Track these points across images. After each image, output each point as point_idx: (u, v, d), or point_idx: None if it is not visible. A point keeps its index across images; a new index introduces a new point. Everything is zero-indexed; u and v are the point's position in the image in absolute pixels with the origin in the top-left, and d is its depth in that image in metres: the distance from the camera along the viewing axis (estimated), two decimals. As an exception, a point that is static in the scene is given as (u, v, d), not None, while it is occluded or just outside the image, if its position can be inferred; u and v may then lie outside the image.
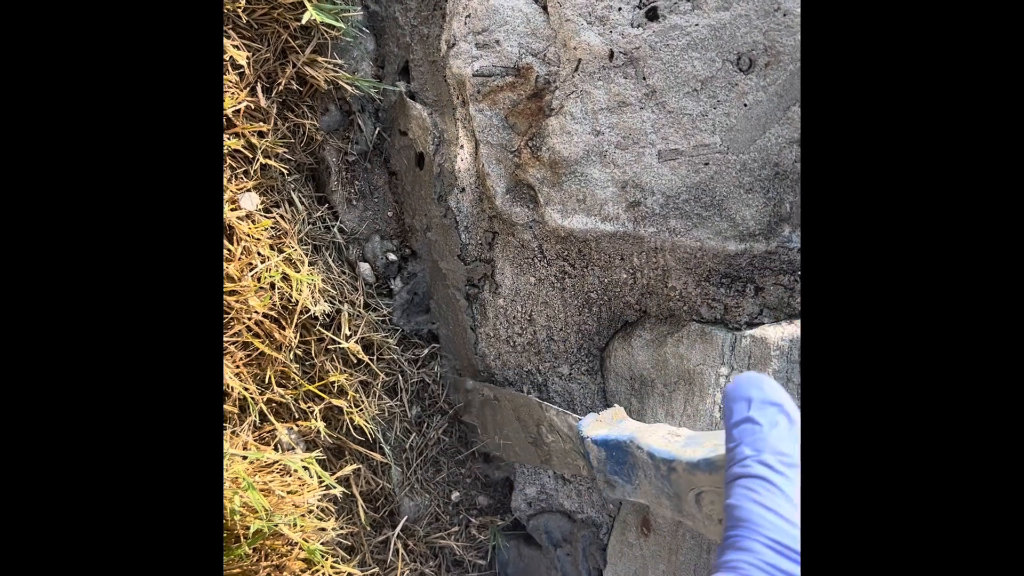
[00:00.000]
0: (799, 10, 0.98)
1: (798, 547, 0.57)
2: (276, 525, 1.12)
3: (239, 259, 1.18)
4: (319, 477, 1.20)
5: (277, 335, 1.22)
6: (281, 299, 1.22)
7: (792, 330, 1.06)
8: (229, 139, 1.18)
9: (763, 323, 1.10)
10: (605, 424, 0.95)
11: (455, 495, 1.43)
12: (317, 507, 1.23)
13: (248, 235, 1.19)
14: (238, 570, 1.20)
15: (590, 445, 0.94)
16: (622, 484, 0.95)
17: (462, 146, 1.25)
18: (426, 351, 1.41)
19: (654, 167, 1.08)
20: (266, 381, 1.21)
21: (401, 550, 1.35)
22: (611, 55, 1.07)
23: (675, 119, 1.06)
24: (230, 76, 1.18)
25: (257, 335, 1.21)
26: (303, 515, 1.19)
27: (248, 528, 1.12)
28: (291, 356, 1.24)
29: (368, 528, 1.33)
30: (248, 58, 1.18)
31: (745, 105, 1.02)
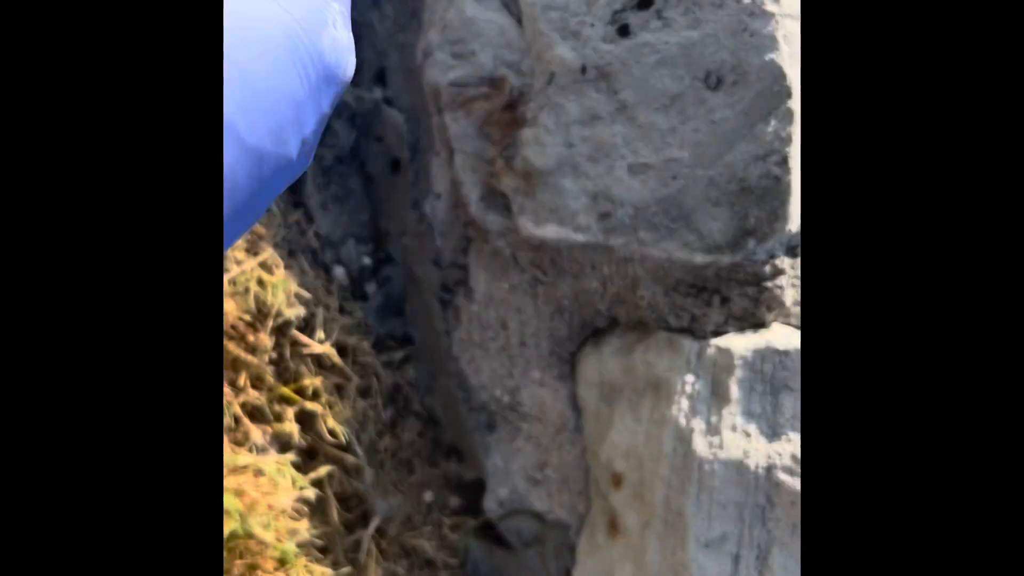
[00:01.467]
0: (766, 30, 1.01)
1: None
2: (250, 528, 1.13)
3: (214, 263, 1.19)
4: (292, 479, 1.21)
5: (251, 338, 1.23)
6: (256, 303, 1.23)
7: (756, 340, 1.10)
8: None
9: (728, 332, 1.13)
10: None
11: (428, 495, 1.46)
12: (291, 508, 1.25)
13: (224, 239, 1.20)
14: (211, 570, 1.21)
15: None
16: None
17: (437, 153, 1.27)
18: (400, 354, 1.43)
19: (624, 180, 1.11)
20: (240, 384, 1.22)
21: (374, 550, 1.37)
22: (584, 69, 1.09)
23: (645, 133, 1.08)
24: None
25: (232, 338, 1.22)
26: (276, 516, 1.21)
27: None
28: (265, 359, 1.25)
29: (341, 529, 1.35)
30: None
31: (713, 122, 1.05)
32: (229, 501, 1.12)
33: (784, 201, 1.03)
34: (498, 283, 1.30)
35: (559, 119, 1.12)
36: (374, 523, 1.39)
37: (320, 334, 1.29)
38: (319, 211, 1.33)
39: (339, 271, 1.35)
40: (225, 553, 1.21)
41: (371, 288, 1.40)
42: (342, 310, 1.35)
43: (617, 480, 1.26)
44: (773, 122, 1.02)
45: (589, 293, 1.22)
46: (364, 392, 1.38)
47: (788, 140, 1.02)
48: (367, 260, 1.38)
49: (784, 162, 1.02)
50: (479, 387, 1.39)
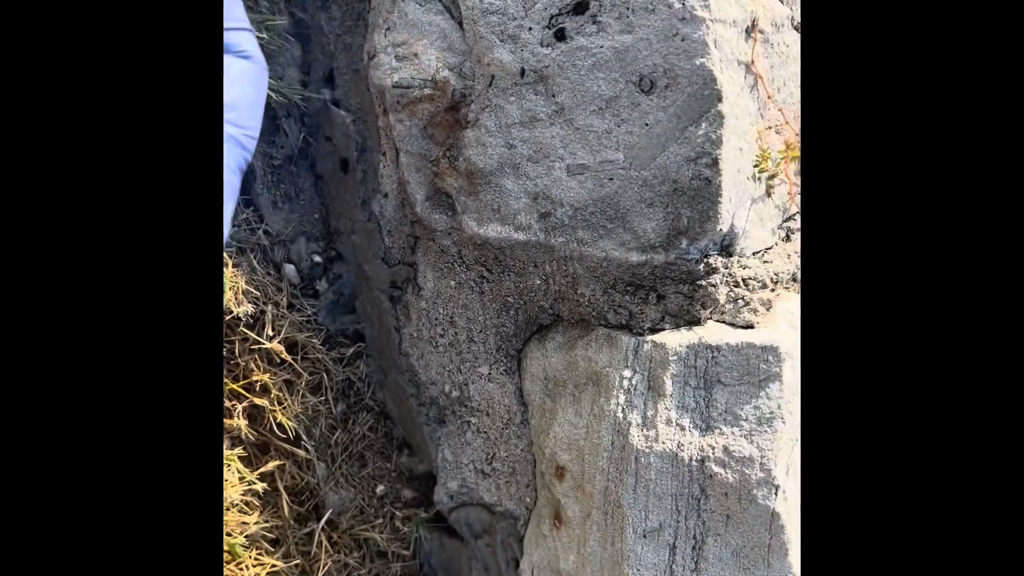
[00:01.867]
0: (697, 35, 1.04)
1: None
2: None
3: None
4: (240, 473, 1.23)
5: (201, 335, 1.25)
6: (205, 300, 1.24)
7: (689, 336, 1.13)
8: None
9: (664, 329, 1.16)
10: None
11: (380, 488, 1.48)
12: (240, 502, 1.27)
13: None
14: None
15: None
16: None
17: (384, 153, 1.29)
18: (352, 350, 1.45)
19: (563, 180, 1.13)
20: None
21: (325, 542, 1.40)
22: (522, 72, 1.11)
23: (582, 135, 1.11)
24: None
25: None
26: (225, 511, 1.23)
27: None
28: (215, 356, 1.27)
29: (292, 522, 1.37)
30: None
31: (647, 124, 1.07)
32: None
33: (715, 202, 1.06)
34: (445, 280, 1.32)
35: (500, 121, 1.14)
36: (326, 516, 1.41)
37: (269, 331, 1.31)
38: (269, 209, 1.35)
39: (289, 269, 1.37)
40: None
41: (322, 286, 1.41)
42: (292, 307, 1.37)
43: (560, 472, 1.29)
44: (704, 125, 1.05)
45: (532, 290, 1.25)
46: (315, 388, 1.40)
47: (718, 143, 1.05)
48: (318, 258, 1.40)
49: (714, 164, 1.05)
50: (429, 382, 1.42)
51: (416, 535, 1.50)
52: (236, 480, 1.23)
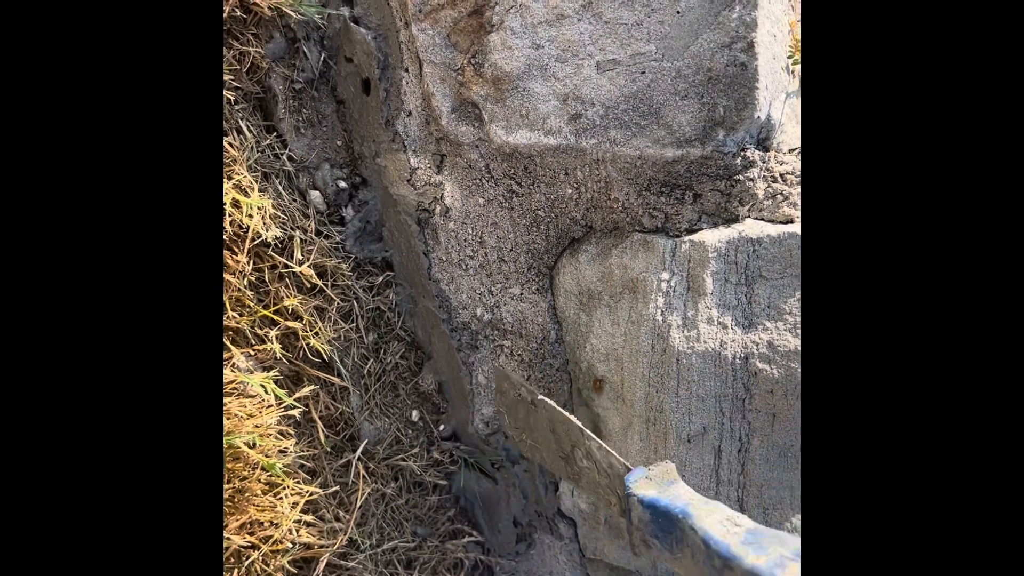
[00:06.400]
0: (727, -84, 1.01)
1: None
2: (234, 441, 1.14)
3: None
4: (277, 397, 1.22)
5: (230, 261, 1.23)
6: (232, 225, 1.23)
7: (728, 233, 1.11)
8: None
9: (702, 228, 1.14)
10: (655, 484, 0.86)
11: (415, 414, 1.47)
12: (276, 428, 1.26)
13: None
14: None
15: (635, 503, 0.88)
16: (660, 548, 0.87)
17: (407, 69, 1.26)
18: (380, 279, 1.43)
19: (593, 78, 1.11)
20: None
21: (362, 472, 1.38)
22: (548, -33, 1.09)
23: (612, 29, 1.08)
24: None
25: (209, 260, 1.22)
26: (263, 436, 1.22)
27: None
28: (244, 282, 1.25)
29: (329, 451, 1.36)
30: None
31: (678, 12, 1.05)
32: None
33: (752, 87, 1.04)
34: (474, 198, 1.30)
35: (525, 21, 1.12)
36: (362, 446, 1.40)
37: (299, 255, 1.29)
38: (292, 135, 1.33)
39: (315, 195, 1.35)
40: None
41: (348, 213, 1.40)
42: (319, 233, 1.35)
43: (599, 385, 1.27)
44: (737, 8, 1.02)
45: (564, 201, 1.23)
46: (345, 316, 1.39)
47: (753, 25, 1.02)
48: (343, 184, 1.38)
49: (750, 48, 1.02)
50: (460, 307, 1.40)
51: (453, 465, 1.49)
52: (274, 403, 1.21)
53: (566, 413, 1.03)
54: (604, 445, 0.97)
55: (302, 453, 1.32)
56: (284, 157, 1.32)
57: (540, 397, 1.09)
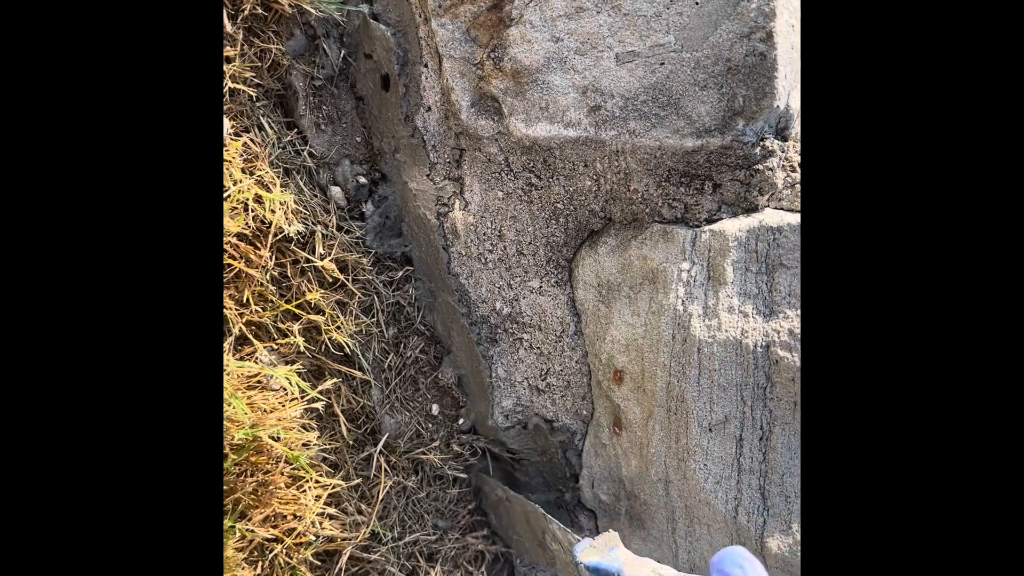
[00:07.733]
0: (745, -93, 1.02)
1: None
2: (259, 434, 1.15)
3: (211, 181, 1.20)
4: (300, 389, 1.23)
5: (253, 256, 1.25)
6: (255, 221, 1.24)
7: (748, 222, 1.11)
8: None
9: (722, 218, 1.14)
10: (598, 551, 1.03)
11: (435, 408, 1.48)
12: (299, 422, 1.27)
13: (219, 157, 1.21)
14: (224, 487, 1.23)
15: (583, 570, 1.01)
16: None
17: (426, 64, 1.28)
18: (400, 273, 1.44)
19: (612, 70, 1.12)
20: (244, 301, 1.24)
21: (384, 465, 1.39)
22: (567, -39, 1.10)
23: (631, 21, 1.09)
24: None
25: (233, 257, 1.23)
26: (287, 429, 1.23)
27: (232, 439, 1.15)
28: (267, 277, 1.26)
29: (351, 444, 1.37)
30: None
31: (697, 3, 1.06)
32: (239, 407, 1.14)
33: (771, 77, 1.04)
34: (493, 192, 1.31)
35: (544, 14, 1.13)
36: (383, 439, 1.41)
37: (320, 250, 1.31)
38: (312, 131, 1.34)
39: (335, 191, 1.36)
40: (236, 469, 1.23)
41: (368, 208, 1.41)
42: (340, 228, 1.36)
43: (619, 376, 1.28)
44: (756, -2, 1.03)
45: (583, 193, 1.24)
46: (366, 310, 1.40)
47: (771, 15, 1.03)
48: (363, 179, 1.39)
49: (769, 38, 1.03)
50: (479, 301, 1.41)
51: (473, 457, 1.50)
52: (298, 396, 1.22)
53: (531, 504, 1.19)
54: (561, 525, 1.15)
55: (325, 446, 1.34)
56: (305, 153, 1.33)
57: (512, 493, 1.22)
